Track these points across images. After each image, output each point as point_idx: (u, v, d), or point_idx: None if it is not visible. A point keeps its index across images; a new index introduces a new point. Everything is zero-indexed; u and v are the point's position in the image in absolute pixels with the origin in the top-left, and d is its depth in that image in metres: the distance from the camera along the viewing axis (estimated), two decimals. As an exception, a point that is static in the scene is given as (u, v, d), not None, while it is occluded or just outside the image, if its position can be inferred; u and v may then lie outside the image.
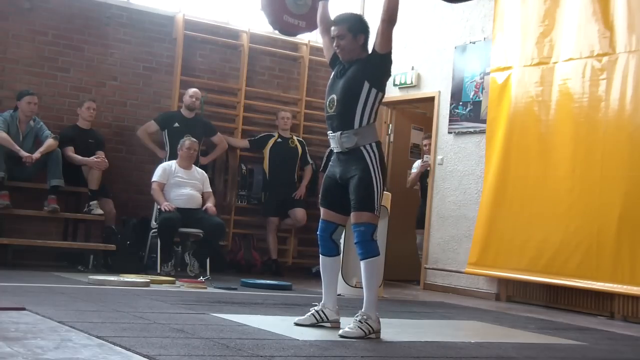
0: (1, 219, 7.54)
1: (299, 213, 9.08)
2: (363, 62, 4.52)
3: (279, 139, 9.11)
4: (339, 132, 4.47)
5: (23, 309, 4.25)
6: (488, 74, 8.28)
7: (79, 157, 7.87)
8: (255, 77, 9.58)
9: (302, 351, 3.68)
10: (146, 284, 6.36)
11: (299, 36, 9.87)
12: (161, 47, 8.95)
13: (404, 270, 9.10)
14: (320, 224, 4.66)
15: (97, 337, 3.52)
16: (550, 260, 7.31)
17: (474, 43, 8.64)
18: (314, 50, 9.91)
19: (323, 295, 4.64)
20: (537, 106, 7.67)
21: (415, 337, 4.61)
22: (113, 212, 8.03)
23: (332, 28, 4.59)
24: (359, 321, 4.33)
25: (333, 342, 4.07)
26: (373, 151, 4.44)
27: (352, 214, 4.45)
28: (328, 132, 4.58)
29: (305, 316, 4.59)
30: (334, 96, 4.51)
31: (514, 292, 7.87)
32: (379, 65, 4.54)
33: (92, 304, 4.88)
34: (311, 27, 5.18)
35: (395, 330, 4.82)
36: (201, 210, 7.85)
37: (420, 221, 9.08)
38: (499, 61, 8.10)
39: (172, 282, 6.71)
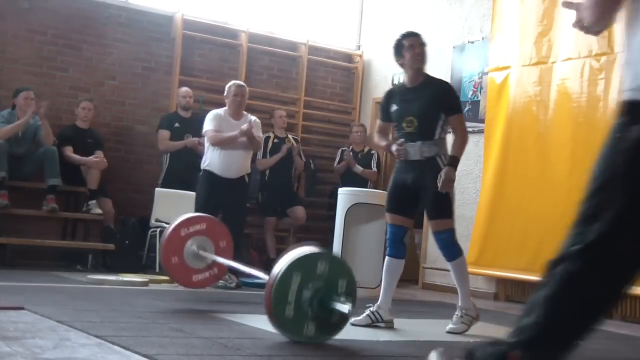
0: (0, 219, 7.55)
1: (299, 212, 9.08)
2: (436, 92, 4.89)
3: (276, 139, 9.11)
4: (419, 142, 4.80)
5: (22, 308, 4.26)
6: (486, 73, 8.28)
7: (78, 156, 7.88)
8: (254, 77, 9.59)
9: (300, 350, 3.68)
10: (145, 284, 6.37)
11: (298, 35, 9.91)
12: (160, 46, 8.95)
13: (403, 269, 9.08)
14: (390, 228, 4.97)
15: (96, 336, 3.52)
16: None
17: (473, 43, 8.64)
18: (313, 49, 9.92)
19: (381, 296, 4.88)
20: (536, 106, 7.67)
21: (414, 336, 4.62)
22: (112, 211, 8.04)
23: (414, 38, 5.07)
24: (460, 316, 4.80)
25: (332, 340, 4.07)
26: (446, 160, 4.79)
27: (432, 222, 4.89)
28: (401, 140, 4.86)
29: (361, 317, 4.77)
30: (412, 118, 4.83)
31: (512, 291, 7.87)
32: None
33: (91, 304, 4.89)
34: (221, 272, 5.29)
35: (394, 329, 4.83)
36: (239, 189, 7.01)
37: (418, 221, 9.09)
38: (498, 61, 8.10)
39: (171, 282, 6.71)
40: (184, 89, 8.61)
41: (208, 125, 6.89)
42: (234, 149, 6.85)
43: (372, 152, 9.48)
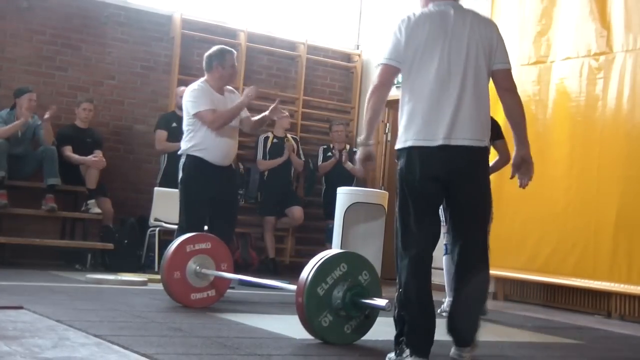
0: (-1, 218, 7.56)
1: (297, 212, 9.08)
2: None
3: (275, 139, 9.10)
4: None
5: (21, 307, 4.26)
6: (485, 73, 8.27)
7: (77, 156, 7.87)
8: (253, 76, 9.58)
9: (299, 350, 3.69)
10: (143, 283, 6.37)
11: (296, 35, 9.90)
12: (159, 46, 8.95)
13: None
14: None
15: (95, 335, 3.52)
16: (547, 259, 7.31)
17: (472, 42, 8.64)
18: (312, 49, 9.91)
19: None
20: (534, 105, 7.67)
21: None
22: (111, 211, 8.02)
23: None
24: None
25: (330, 340, 4.08)
26: None
27: None
28: None
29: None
30: None
31: (511, 291, 7.88)
32: None
33: (90, 303, 4.89)
34: (220, 293, 5.28)
35: (394, 329, 4.82)
36: (232, 179, 6.43)
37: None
38: (497, 60, 8.09)
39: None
40: (182, 88, 8.59)
41: (200, 104, 5.78)
42: (230, 130, 5.90)
43: (355, 150, 9.51)
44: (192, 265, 5.07)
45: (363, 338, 4.21)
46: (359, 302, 3.97)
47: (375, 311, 4.07)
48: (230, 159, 6.03)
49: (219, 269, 5.15)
